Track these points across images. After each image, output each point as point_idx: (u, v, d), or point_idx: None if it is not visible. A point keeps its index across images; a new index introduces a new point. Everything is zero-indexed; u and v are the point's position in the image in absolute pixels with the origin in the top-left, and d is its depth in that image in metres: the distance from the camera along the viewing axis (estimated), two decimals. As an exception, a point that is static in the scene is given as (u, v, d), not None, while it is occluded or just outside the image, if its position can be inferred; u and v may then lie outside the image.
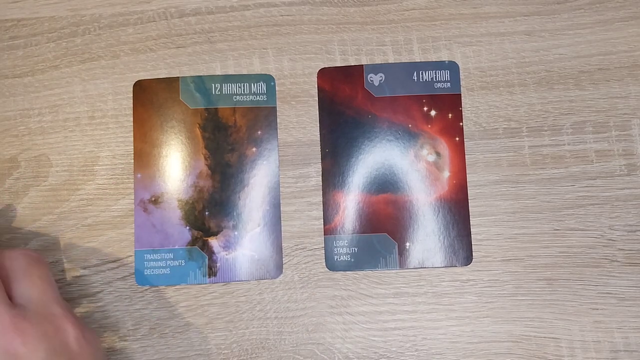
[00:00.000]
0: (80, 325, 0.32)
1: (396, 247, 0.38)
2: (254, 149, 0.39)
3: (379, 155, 0.38)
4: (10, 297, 0.30)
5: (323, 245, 0.38)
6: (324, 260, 0.38)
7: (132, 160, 0.39)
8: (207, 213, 0.38)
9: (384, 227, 0.38)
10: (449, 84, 0.39)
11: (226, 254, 0.38)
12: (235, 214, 0.38)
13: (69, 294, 0.37)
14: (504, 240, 0.38)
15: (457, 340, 0.37)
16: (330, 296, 0.38)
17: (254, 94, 0.39)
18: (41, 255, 0.33)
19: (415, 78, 0.39)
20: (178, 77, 0.39)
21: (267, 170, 0.38)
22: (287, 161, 0.39)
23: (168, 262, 0.38)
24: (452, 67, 0.39)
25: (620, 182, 0.38)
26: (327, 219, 0.38)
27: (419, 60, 0.39)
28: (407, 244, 0.38)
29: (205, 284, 0.38)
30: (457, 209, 0.38)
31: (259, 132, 0.39)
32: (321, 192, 0.38)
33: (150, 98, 0.39)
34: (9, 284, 0.31)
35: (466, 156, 0.38)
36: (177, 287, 0.38)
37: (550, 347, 0.37)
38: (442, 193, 0.38)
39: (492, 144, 0.39)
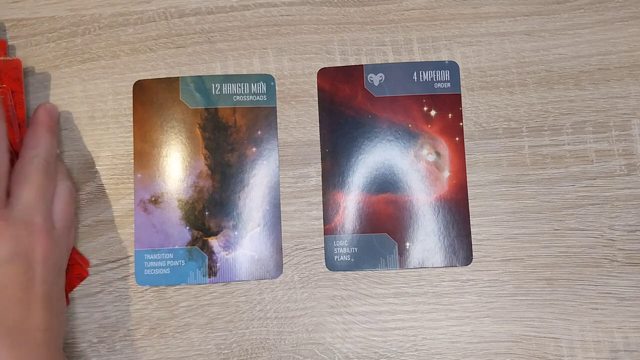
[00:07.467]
0: (54, 244, 0.33)
1: (396, 247, 0.38)
2: (254, 149, 0.39)
3: (379, 155, 0.38)
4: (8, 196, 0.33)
5: (323, 245, 0.38)
6: (324, 260, 0.38)
7: (132, 160, 0.39)
8: (207, 213, 0.38)
9: (384, 227, 0.38)
10: (449, 84, 0.39)
11: (226, 254, 0.38)
12: (235, 214, 0.38)
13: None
14: (504, 240, 0.38)
15: (457, 340, 0.37)
16: (330, 296, 0.38)
17: (254, 94, 0.39)
18: (51, 167, 0.35)
19: (415, 78, 0.39)
20: (178, 77, 0.39)
21: (267, 170, 0.38)
22: (287, 161, 0.39)
23: (168, 262, 0.38)
24: (452, 67, 0.39)
25: (620, 182, 0.38)
26: (327, 219, 0.38)
27: (419, 60, 0.39)
28: (407, 244, 0.38)
29: (205, 284, 0.38)
30: (457, 209, 0.38)
31: (259, 132, 0.39)
32: (321, 192, 0.38)
33: (150, 98, 0.39)
34: (13, 184, 0.33)
35: (466, 156, 0.38)
36: (177, 287, 0.38)
37: (550, 347, 0.37)
38: (442, 193, 0.38)
39: (492, 144, 0.39)
